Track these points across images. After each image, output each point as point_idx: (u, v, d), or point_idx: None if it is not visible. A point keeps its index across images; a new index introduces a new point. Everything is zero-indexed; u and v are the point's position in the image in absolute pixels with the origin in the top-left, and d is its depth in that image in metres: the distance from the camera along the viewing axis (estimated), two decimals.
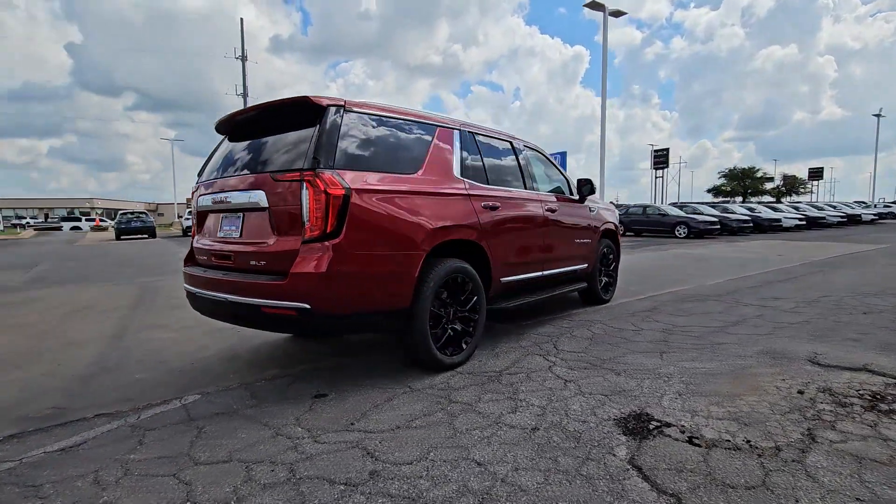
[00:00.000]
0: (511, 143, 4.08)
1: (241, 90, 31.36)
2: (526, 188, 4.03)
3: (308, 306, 2.42)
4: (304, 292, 2.42)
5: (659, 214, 19.26)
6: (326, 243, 2.44)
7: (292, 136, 2.67)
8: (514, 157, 4.04)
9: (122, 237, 24.03)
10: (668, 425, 2.25)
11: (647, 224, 19.55)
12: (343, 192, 2.47)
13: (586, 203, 4.89)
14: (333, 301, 2.50)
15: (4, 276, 9.37)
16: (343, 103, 2.70)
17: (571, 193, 4.77)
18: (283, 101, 2.71)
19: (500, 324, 4.40)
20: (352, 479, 1.85)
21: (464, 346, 3.22)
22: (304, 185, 2.45)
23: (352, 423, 2.35)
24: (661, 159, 50.50)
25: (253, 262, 2.67)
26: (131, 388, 2.96)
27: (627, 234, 20.06)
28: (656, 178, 51.18)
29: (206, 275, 2.83)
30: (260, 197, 2.64)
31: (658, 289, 6.22)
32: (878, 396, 2.58)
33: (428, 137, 3.17)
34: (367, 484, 1.81)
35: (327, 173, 2.47)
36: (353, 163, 2.64)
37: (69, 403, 2.72)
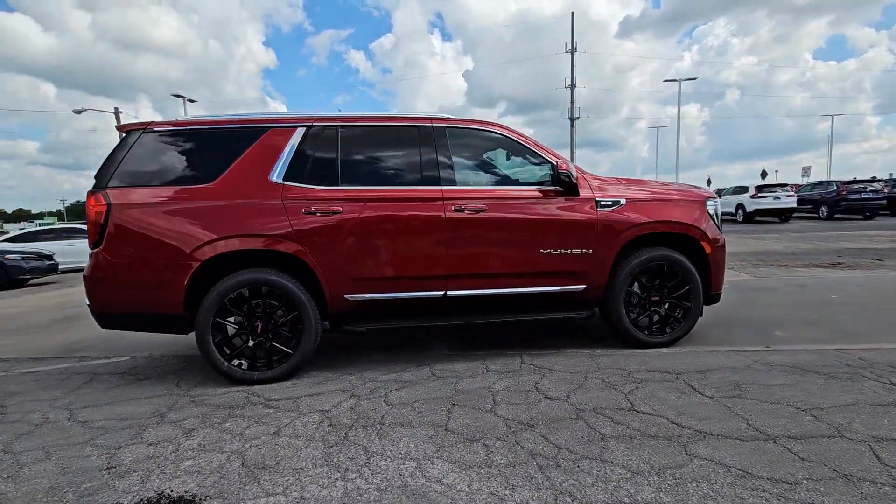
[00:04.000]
0: (417, 129, 3.22)
1: (569, 83, 30.78)
2: (424, 183, 3.14)
3: (88, 303, 2.95)
4: (86, 292, 2.96)
5: None
6: (94, 251, 2.88)
7: None
8: (415, 146, 3.19)
9: None
10: None
11: None
12: (104, 208, 2.84)
13: (585, 194, 3.29)
14: (101, 301, 2.95)
15: None
16: (144, 126, 3.01)
17: (559, 183, 3.31)
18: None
19: (462, 352, 3.62)
20: None
21: (274, 365, 2.99)
22: (87, 202, 2.95)
23: (84, 407, 2.74)
24: None
25: None
26: (132, 344, 4.21)
27: None
28: None
29: None
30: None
31: (825, 341, 3.41)
32: None
33: (245, 143, 3.03)
34: None
35: (95, 192, 2.88)
36: (134, 179, 2.93)
37: (88, 347, 4.18)
